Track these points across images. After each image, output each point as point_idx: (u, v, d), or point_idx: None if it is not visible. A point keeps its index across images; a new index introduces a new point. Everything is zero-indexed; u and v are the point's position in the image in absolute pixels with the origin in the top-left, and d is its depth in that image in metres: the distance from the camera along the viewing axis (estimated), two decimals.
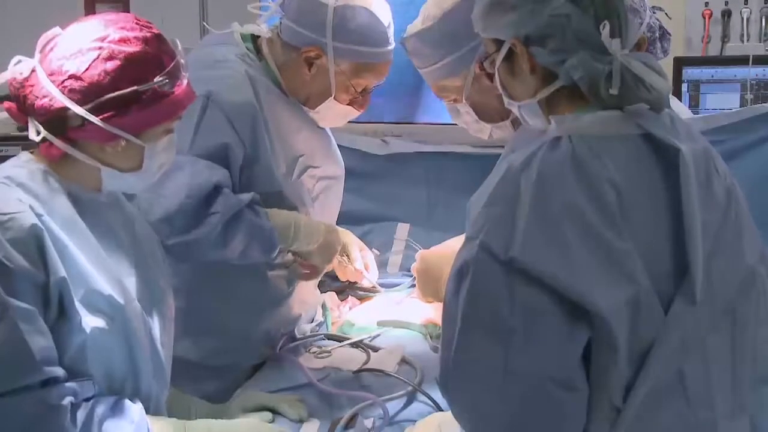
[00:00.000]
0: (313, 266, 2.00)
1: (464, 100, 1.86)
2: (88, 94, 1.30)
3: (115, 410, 1.33)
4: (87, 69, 1.29)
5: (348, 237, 2.21)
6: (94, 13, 3.06)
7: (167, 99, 1.34)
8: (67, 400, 1.26)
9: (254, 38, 1.99)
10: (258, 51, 1.97)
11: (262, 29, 1.98)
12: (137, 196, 1.73)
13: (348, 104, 1.98)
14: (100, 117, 1.30)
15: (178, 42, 1.39)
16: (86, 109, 1.30)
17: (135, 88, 1.30)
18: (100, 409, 1.31)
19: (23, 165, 1.36)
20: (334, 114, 2.01)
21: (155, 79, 1.32)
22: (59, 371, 1.28)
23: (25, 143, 2.60)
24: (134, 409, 1.36)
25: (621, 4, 1.24)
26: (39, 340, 1.25)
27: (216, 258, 1.83)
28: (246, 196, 1.83)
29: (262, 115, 1.87)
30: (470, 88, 1.83)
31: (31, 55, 1.34)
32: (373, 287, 2.27)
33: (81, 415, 1.28)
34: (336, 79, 1.91)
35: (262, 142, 1.87)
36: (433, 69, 1.86)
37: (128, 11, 2.68)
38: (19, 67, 1.32)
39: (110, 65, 1.30)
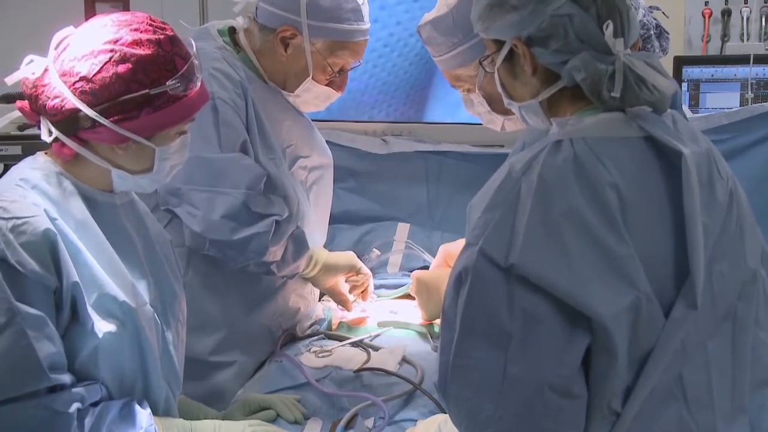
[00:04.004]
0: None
1: (477, 90, 1.87)
2: (99, 96, 1.29)
3: (124, 416, 1.33)
4: (98, 72, 1.29)
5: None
6: (94, 12, 3.06)
7: (180, 101, 1.33)
8: (74, 407, 1.26)
9: (231, 33, 2.00)
10: (236, 44, 1.98)
11: (238, 21, 1.98)
12: (189, 200, 1.77)
13: (327, 85, 1.99)
14: (111, 119, 1.30)
15: (194, 42, 1.38)
16: (97, 111, 1.29)
17: (146, 91, 1.30)
18: (109, 416, 1.31)
19: (39, 167, 1.35)
20: (313, 96, 2.01)
21: (167, 83, 1.31)
22: (67, 378, 1.28)
23: (26, 143, 2.61)
24: (143, 414, 1.36)
25: (623, 3, 1.23)
26: (47, 347, 1.24)
27: (268, 258, 1.87)
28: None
29: (250, 98, 1.89)
30: (482, 78, 1.84)
31: (32, 53, 1.33)
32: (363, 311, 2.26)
33: (89, 421, 1.28)
34: (312, 58, 1.92)
35: (252, 130, 1.89)
36: (447, 57, 1.87)
37: (128, 10, 2.68)
38: (31, 67, 1.32)
39: (122, 68, 1.29)
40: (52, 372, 1.25)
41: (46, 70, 1.32)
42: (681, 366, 1.16)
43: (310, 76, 1.95)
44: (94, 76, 1.29)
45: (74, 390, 1.27)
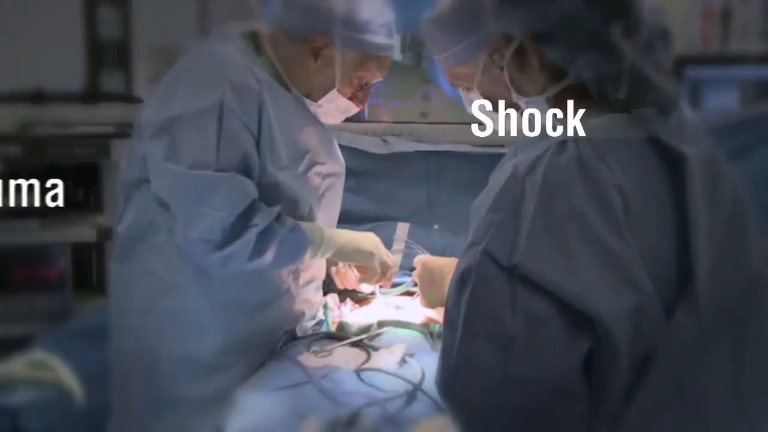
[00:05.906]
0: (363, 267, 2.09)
1: (475, 89, 1.88)
2: None
3: None
4: None
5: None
6: (94, 12, 3.06)
7: None
8: None
9: (252, 37, 1.99)
10: (257, 48, 1.98)
11: (262, 25, 1.98)
12: (173, 213, 1.75)
13: (349, 99, 1.99)
14: None
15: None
16: None
17: None
18: None
19: None
20: (335, 108, 2.02)
21: None
22: None
23: (25, 143, 2.61)
24: None
25: (631, 3, 1.23)
26: None
27: (253, 267, 1.85)
28: (276, 209, 1.85)
29: (265, 107, 1.88)
30: (481, 78, 1.84)
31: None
32: (372, 293, 2.27)
33: None
34: (341, 70, 1.93)
35: (264, 135, 1.88)
36: (446, 56, 1.88)
37: (129, 10, 2.68)
38: None
39: None
40: None
41: None
42: (682, 370, 1.15)
43: (336, 88, 1.95)
44: None
45: None
